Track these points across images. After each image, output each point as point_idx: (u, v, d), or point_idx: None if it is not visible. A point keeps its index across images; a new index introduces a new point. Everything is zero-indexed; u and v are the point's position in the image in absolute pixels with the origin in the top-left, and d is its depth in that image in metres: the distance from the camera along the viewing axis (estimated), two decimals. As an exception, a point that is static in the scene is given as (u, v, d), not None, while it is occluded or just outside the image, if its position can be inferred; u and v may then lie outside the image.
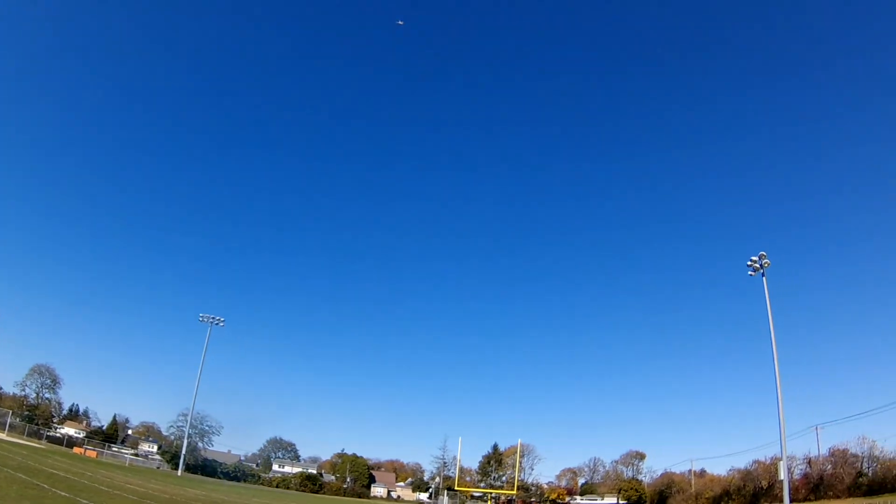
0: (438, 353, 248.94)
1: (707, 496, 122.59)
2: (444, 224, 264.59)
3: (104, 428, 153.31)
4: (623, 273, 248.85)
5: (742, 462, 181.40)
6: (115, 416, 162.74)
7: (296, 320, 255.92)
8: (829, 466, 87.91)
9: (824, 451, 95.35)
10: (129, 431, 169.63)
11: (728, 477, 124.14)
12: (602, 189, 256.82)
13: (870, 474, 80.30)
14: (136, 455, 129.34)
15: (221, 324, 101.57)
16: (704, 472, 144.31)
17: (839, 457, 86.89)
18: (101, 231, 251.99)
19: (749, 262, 49.46)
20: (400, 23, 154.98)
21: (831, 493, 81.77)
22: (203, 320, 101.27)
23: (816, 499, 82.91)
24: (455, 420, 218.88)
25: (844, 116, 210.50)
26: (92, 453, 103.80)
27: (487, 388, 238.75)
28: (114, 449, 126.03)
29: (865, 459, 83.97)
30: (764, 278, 48.48)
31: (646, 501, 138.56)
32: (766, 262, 48.44)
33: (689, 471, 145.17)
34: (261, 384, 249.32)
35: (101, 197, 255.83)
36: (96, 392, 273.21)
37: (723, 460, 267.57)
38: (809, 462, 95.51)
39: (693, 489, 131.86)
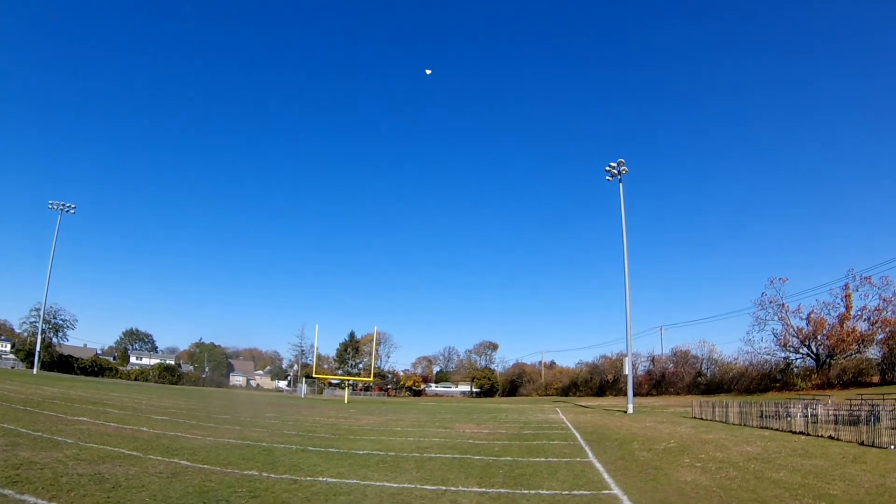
0: (296, 239, 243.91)
1: (556, 386, 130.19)
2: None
3: None
4: (483, 166, 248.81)
5: (590, 356, 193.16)
6: None
7: (150, 207, 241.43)
8: (671, 365, 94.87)
9: (668, 351, 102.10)
10: None
11: (576, 369, 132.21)
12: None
13: (708, 375, 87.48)
14: None
15: (72, 211, 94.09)
16: (554, 363, 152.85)
17: (681, 357, 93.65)
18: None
19: (608, 168, 50.53)
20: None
21: (672, 389, 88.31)
22: (53, 207, 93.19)
23: (658, 394, 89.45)
24: (313, 308, 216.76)
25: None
26: None
27: (345, 276, 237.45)
28: None
29: (704, 361, 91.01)
30: (621, 184, 49.81)
31: (498, 390, 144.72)
32: (623, 169, 50.24)
33: (540, 362, 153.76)
34: (115, 274, 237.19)
35: None
36: None
37: (572, 354, 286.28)
38: (653, 360, 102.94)
39: (543, 379, 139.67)
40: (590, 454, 17.17)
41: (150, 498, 9.20)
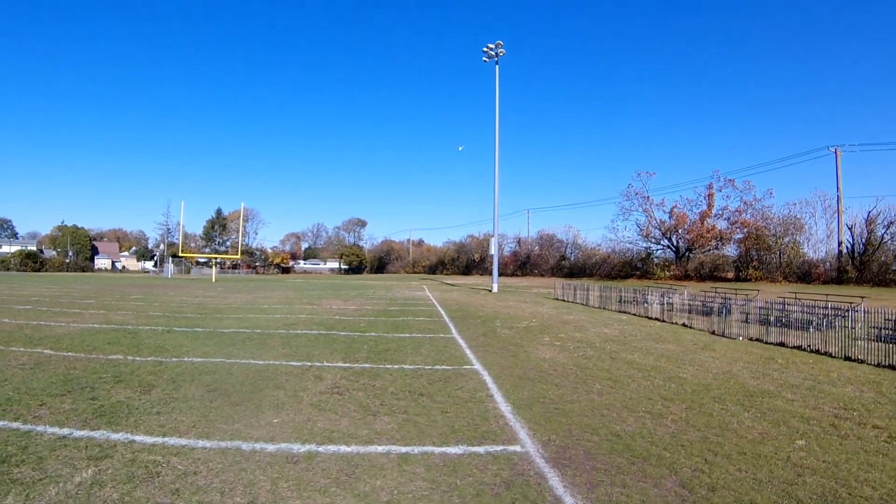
0: (159, 108, 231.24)
1: (424, 264, 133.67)
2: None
3: None
4: (360, 35, 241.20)
5: (458, 236, 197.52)
6: None
7: None
8: (537, 248, 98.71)
9: (534, 234, 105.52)
10: None
11: (444, 248, 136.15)
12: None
13: (572, 259, 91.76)
14: None
15: None
16: (422, 242, 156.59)
17: (546, 240, 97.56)
18: None
19: (485, 49, 50.14)
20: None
21: (536, 271, 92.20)
22: None
23: (523, 275, 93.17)
24: (178, 185, 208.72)
25: None
26: None
27: (211, 150, 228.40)
28: None
29: (569, 246, 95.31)
30: (497, 66, 49.72)
31: (366, 266, 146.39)
32: (501, 52, 50.02)
33: (408, 240, 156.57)
34: None
35: None
36: None
37: (440, 233, 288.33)
38: (519, 242, 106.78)
39: (411, 257, 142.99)
40: (453, 330, 17.57)
41: (13, 391, 8.91)
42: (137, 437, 6.59)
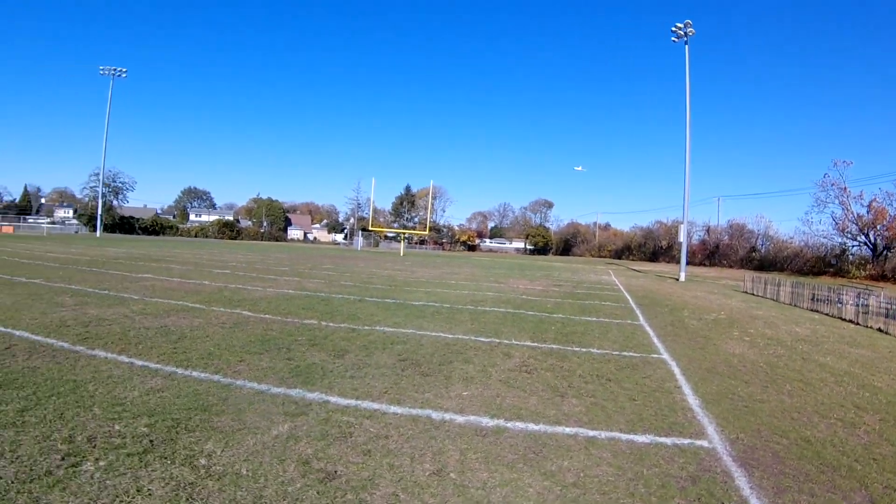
0: (351, 89, 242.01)
1: (609, 249, 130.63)
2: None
3: (16, 201, 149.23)
4: (542, 22, 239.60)
5: (645, 221, 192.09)
6: (25, 187, 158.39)
7: (200, 66, 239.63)
8: (726, 237, 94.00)
9: (723, 222, 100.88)
10: (43, 200, 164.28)
11: (630, 233, 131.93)
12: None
13: (762, 251, 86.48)
14: (53, 223, 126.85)
15: (123, 75, 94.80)
16: (609, 226, 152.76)
17: (736, 229, 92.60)
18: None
19: (673, 29, 47.04)
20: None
21: (725, 261, 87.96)
22: (104, 72, 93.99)
23: (711, 265, 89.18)
24: (368, 161, 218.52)
25: None
26: (8, 229, 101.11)
27: (401, 129, 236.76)
28: (29, 221, 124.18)
29: (760, 236, 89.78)
30: (686, 47, 46.71)
31: (551, 248, 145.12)
32: (690, 31, 46.52)
33: (595, 223, 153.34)
34: (171, 134, 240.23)
35: None
36: (2, 166, 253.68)
37: (627, 217, 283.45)
38: (708, 230, 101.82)
39: (597, 241, 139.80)
40: (640, 317, 17.53)
41: (215, 347, 9.71)
42: (331, 398, 7.08)
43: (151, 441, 5.33)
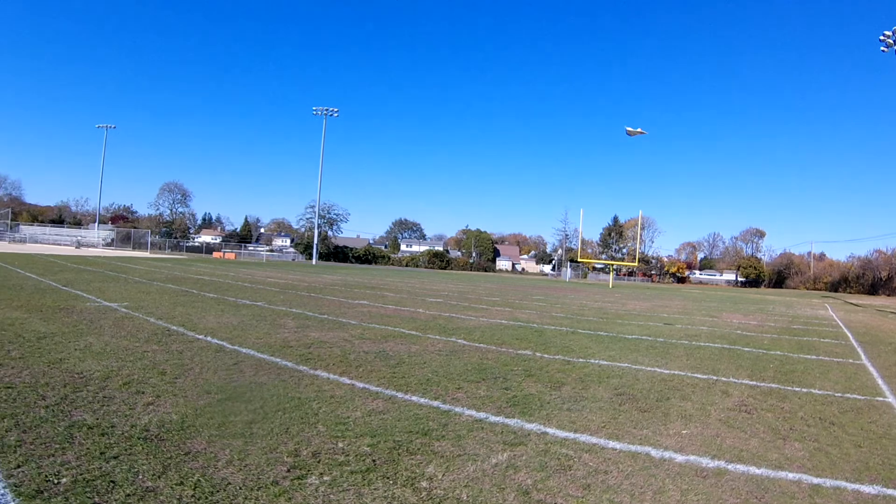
0: (557, 122, 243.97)
1: (825, 280, 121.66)
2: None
3: (238, 231, 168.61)
4: (741, 44, 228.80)
5: (862, 250, 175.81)
6: (246, 218, 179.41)
7: (410, 102, 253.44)
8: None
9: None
10: (262, 230, 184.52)
11: (847, 263, 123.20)
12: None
13: None
14: (272, 251, 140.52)
15: (336, 114, 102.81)
16: (824, 255, 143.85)
17: None
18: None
19: (882, 38, 43.02)
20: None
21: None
22: (317, 113, 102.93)
23: (949, 297, 79.72)
24: (575, 192, 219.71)
25: None
26: (231, 255, 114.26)
27: (608, 159, 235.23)
28: (250, 248, 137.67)
29: None
30: None
31: (763, 280, 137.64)
32: None
33: (809, 253, 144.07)
34: (382, 168, 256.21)
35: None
36: (225, 198, 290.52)
37: (842, 246, 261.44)
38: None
39: (811, 272, 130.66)
40: (863, 356, 16.57)
41: (433, 373, 10.09)
42: (549, 430, 7.14)
43: (374, 461, 5.68)
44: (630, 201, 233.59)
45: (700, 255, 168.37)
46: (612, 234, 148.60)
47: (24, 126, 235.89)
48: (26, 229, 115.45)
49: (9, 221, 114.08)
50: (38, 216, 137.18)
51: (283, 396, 7.89)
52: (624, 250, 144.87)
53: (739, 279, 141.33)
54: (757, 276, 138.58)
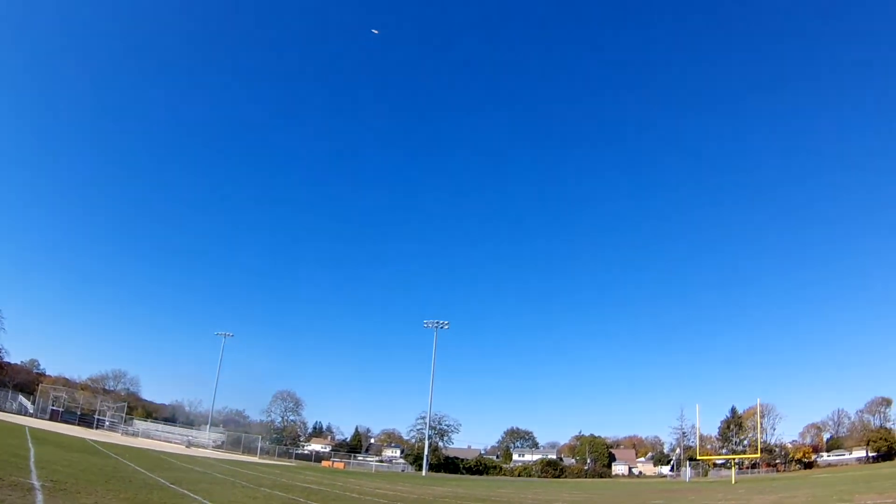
0: (666, 316, 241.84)
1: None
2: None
3: (348, 440, 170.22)
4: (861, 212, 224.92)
5: None
6: (356, 428, 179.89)
7: (517, 312, 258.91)
8: None
9: None
10: (372, 440, 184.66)
11: None
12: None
13: None
14: (381, 461, 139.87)
15: (446, 327, 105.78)
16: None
17: None
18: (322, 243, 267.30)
19: None
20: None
21: None
22: (428, 326, 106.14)
23: None
24: (687, 386, 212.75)
25: None
26: (339, 465, 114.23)
27: (720, 350, 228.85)
28: (359, 458, 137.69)
29: None
30: None
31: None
32: None
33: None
34: (492, 378, 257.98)
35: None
36: (337, 408, 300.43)
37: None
38: None
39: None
40: None
41: None
42: None
43: None
44: (748, 390, 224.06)
45: (826, 436, 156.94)
46: (731, 426, 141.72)
47: (146, 328, 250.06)
48: (140, 424, 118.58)
49: (124, 415, 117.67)
50: (153, 413, 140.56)
51: None
52: (745, 442, 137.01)
53: (870, 454, 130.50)
54: (888, 449, 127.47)
